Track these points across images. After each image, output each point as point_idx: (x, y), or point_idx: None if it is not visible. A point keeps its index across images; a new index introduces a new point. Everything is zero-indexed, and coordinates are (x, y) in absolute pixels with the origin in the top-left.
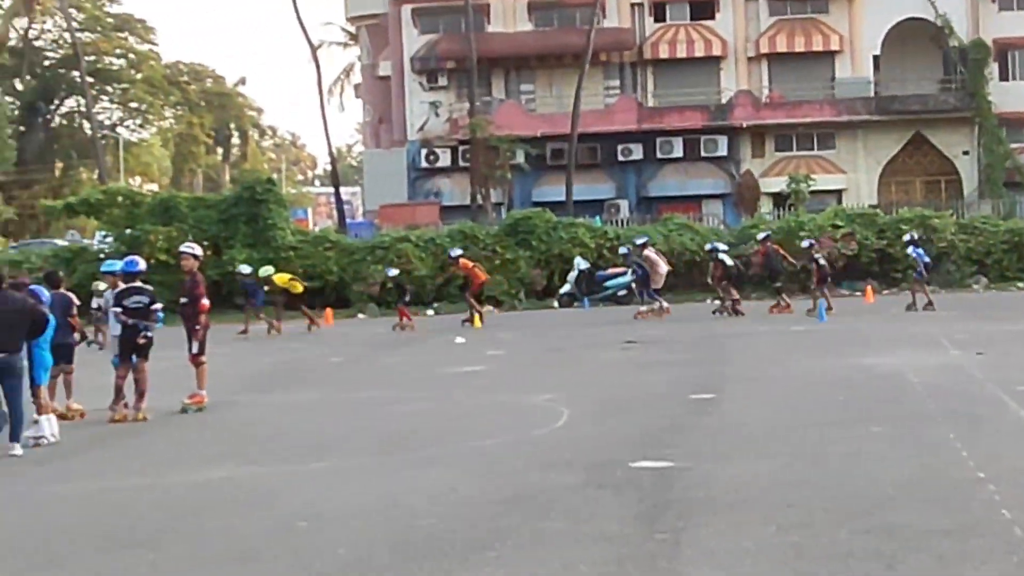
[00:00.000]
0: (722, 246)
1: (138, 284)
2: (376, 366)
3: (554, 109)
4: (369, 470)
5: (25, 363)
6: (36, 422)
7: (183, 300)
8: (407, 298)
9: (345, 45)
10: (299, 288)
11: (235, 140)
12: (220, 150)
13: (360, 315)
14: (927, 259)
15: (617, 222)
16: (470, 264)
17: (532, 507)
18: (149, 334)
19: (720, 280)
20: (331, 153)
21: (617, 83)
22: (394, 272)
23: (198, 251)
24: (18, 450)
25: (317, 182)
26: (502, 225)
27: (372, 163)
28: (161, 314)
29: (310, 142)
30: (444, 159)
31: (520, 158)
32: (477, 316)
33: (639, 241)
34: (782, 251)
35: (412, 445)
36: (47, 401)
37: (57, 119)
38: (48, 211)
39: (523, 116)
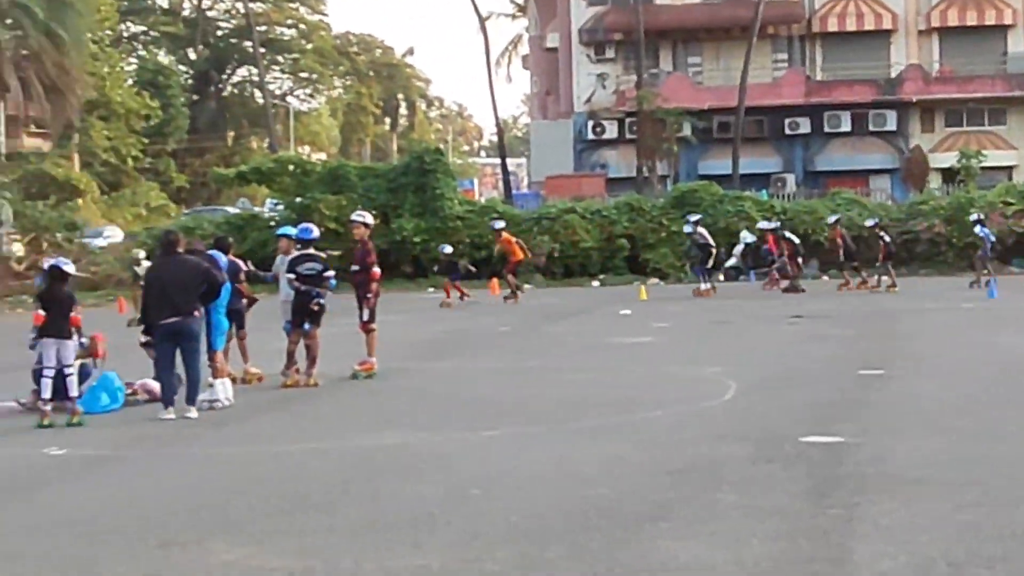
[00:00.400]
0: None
1: (311, 251)
2: (543, 336)
3: (721, 82)
4: (540, 438)
5: (202, 327)
6: (211, 386)
7: (354, 268)
8: (460, 274)
9: (513, 16)
10: None
11: (403, 110)
12: (388, 120)
13: (526, 285)
14: (993, 239)
15: (783, 196)
16: (512, 240)
17: (702, 479)
18: (322, 301)
19: (792, 258)
20: (498, 124)
21: (785, 56)
22: (449, 249)
23: (369, 219)
24: (193, 413)
25: (483, 153)
26: (668, 198)
27: (539, 134)
28: (334, 282)
29: (476, 113)
30: (610, 131)
31: (687, 131)
32: (516, 292)
33: (693, 219)
34: (846, 234)
35: (582, 414)
36: (223, 365)
37: (229, 88)
38: (220, 179)
39: (690, 89)
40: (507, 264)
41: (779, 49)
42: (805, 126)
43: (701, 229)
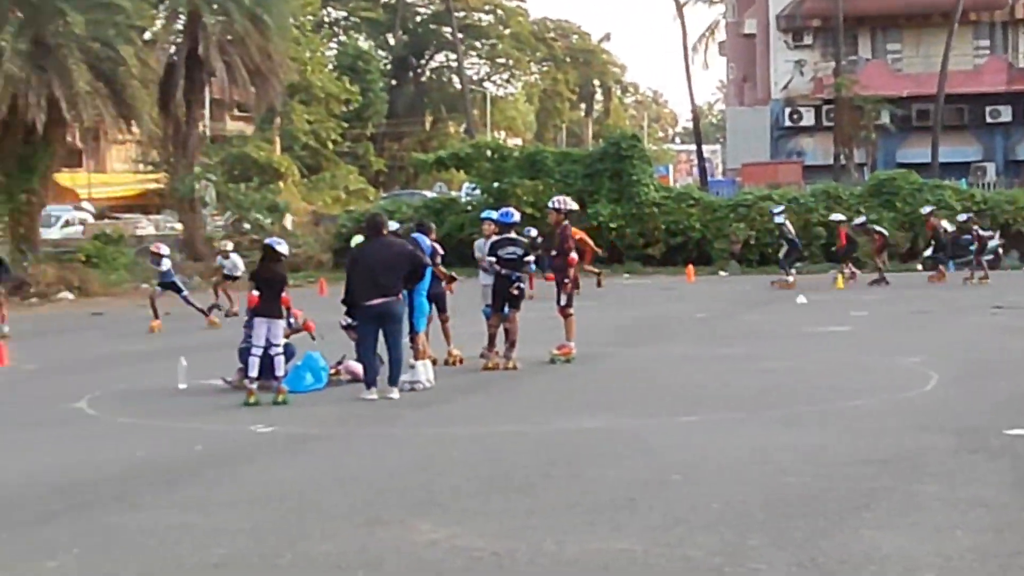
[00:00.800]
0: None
1: (512, 235)
2: (740, 323)
3: (921, 69)
4: (739, 425)
5: (405, 309)
6: (413, 367)
7: (553, 253)
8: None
9: (710, 2)
10: None
11: (598, 96)
12: (583, 106)
13: (721, 272)
14: None
15: (983, 185)
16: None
17: (904, 469)
18: (522, 285)
19: (880, 251)
20: (694, 111)
21: (987, 43)
22: (534, 232)
23: (566, 206)
24: (395, 394)
25: (677, 139)
26: (865, 186)
27: (735, 121)
28: (533, 266)
29: (671, 99)
30: (807, 118)
31: (885, 118)
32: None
33: (777, 210)
34: (939, 224)
35: (780, 402)
36: (424, 347)
37: (427, 73)
38: (419, 164)
39: (889, 76)
40: (584, 257)
41: (980, 36)
42: (1006, 114)
43: (788, 222)
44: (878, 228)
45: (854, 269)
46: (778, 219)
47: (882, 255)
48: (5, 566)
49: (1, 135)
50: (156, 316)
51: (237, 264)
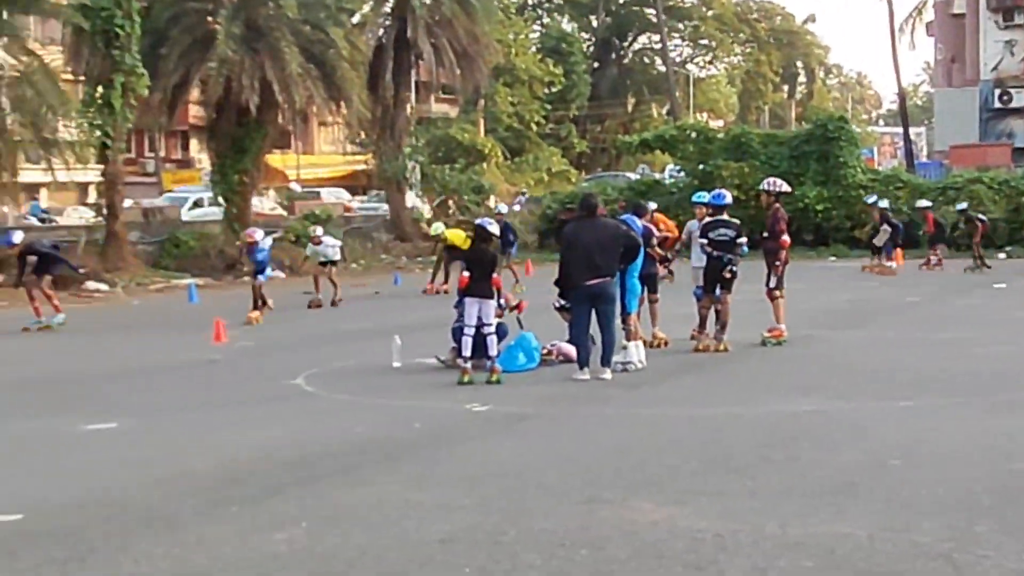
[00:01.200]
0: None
1: (724, 217)
2: (952, 307)
3: None
4: (957, 411)
5: (617, 290)
6: (625, 348)
7: (764, 235)
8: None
9: None
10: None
11: (801, 78)
12: (786, 88)
13: (932, 256)
14: None
15: None
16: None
17: None
18: (734, 268)
19: (981, 238)
20: (900, 92)
21: None
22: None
23: (778, 188)
24: (607, 374)
25: (880, 122)
26: None
27: (942, 102)
28: (745, 248)
29: (875, 81)
30: (1017, 100)
31: None
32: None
33: (871, 199)
34: None
35: (999, 388)
36: (637, 328)
37: (629, 55)
38: (623, 146)
39: None
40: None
41: None
42: None
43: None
44: (980, 216)
45: (940, 256)
46: (881, 204)
47: (978, 245)
48: (237, 539)
49: (216, 117)
50: (260, 306)
51: (331, 244)
